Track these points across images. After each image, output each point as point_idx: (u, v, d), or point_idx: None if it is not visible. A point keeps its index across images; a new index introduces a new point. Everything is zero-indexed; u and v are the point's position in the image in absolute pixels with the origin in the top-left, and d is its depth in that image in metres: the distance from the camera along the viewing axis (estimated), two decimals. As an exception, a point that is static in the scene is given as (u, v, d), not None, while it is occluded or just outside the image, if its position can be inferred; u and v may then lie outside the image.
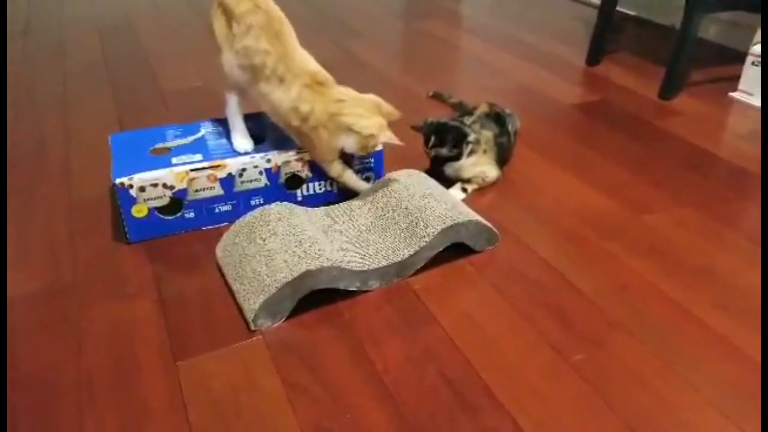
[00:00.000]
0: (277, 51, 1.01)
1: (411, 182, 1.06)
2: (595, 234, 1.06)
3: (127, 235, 1.02)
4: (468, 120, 1.19)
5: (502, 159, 1.20)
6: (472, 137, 1.12)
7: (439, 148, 1.13)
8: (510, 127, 1.20)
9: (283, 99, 1.01)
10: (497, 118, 1.19)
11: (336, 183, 1.11)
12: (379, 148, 1.10)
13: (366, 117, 1.02)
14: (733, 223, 1.09)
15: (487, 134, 1.16)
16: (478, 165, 1.15)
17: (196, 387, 0.77)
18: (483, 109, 1.20)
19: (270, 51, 1.00)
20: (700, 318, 0.88)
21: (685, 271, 0.97)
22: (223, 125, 1.12)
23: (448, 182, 1.16)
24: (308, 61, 1.04)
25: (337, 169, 1.07)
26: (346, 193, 1.11)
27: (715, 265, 0.99)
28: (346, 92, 1.04)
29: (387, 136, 1.02)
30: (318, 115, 1.01)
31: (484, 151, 1.15)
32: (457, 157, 1.13)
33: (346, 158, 1.09)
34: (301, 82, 1.01)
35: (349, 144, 1.03)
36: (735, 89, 1.61)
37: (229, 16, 1.03)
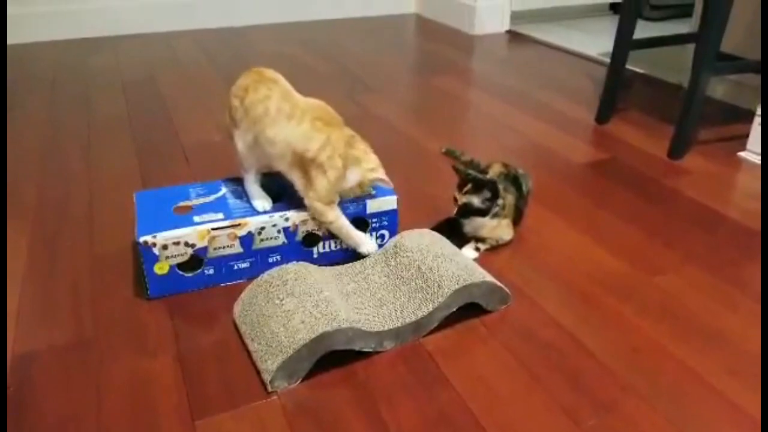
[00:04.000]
0: (275, 93, 1.06)
1: (423, 242, 1.08)
2: (607, 295, 1.07)
3: (148, 291, 1.05)
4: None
5: (516, 220, 1.22)
6: (500, 202, 1.15)
7: (472, 197, 1.14)
8: (524, 188, 1.22)
9: (293, 133, 1.04)
10: (514, 180, 1.21)
11: (329, 235, 1.13)
12: (372, 191, 1.14)
13: (368, 152, 1.08)
14: (743, 286, 1.10)
15: (510, 198, 1.18)
16: (499, 228, 1.18)
17: (213, 447, 0.78)
18: (498, 169, 1.23)
19: (270, 95, 1.05)
20: (711, 384, 0.88)
21: (697, 335, 0.98)
22: (243, 184, 1.16)
23: (461, 239, 1.18)
24: (312, 100, 1.09)
25: (335, 213, 1.08)
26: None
27: (726, 328, 0.99)
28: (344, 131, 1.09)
29: (381, 173, 1.08)
30: (335, 144, 1.04)
31: (505, 216, 1.17)
32: (484, 213, 1.15)
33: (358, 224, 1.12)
34: (311, 116, 1.05)
35: (352, 179, 1.07)
36: (743, 148, 1.63)
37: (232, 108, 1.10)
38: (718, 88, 2.02)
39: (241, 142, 1.10)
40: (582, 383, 0.88)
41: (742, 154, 1.63)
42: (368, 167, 1.07)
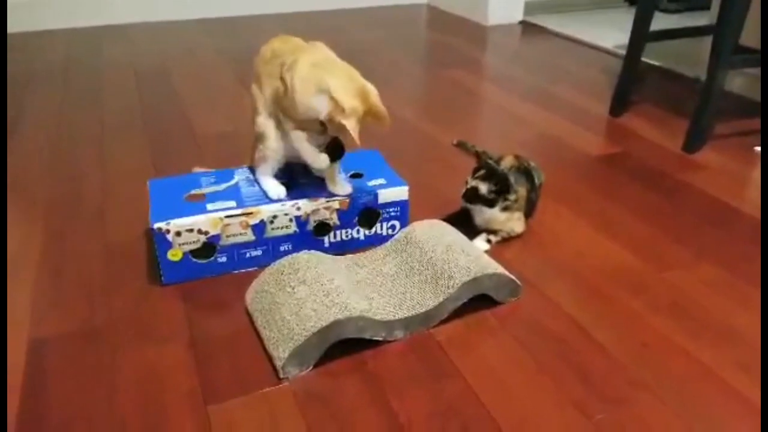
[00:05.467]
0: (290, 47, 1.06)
1: (434, 233, 1.08)
2: (618, 289, 1.07)
3: (162, 278, 1.06)
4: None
5: (528, 212, 1.22)
6: (512, 197, 1.15)
7: (481, 183, 1.15)
8: (536, 181, 1.22)
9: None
10: (526, 173, 1.21)
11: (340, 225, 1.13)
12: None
13: (349, 93, 0.99)
14: (755, 282, 1.09)
15: (522, 192, 1.18)
16: (510, 221, 1.18)
17: (225, 433, 0.79)
18: (510, 161, 1.22)
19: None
20: (722, 378, 0.88)
21: (707, 330, 0.98)
22: (254, 174, 1.16)
23: (473, 231, 1.18)
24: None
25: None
26: (372, 241, 1.15)
27: (738, 324, 0.99)
28: (347, 67, 1.04)
29: (351, 126, 0.98)
30: (292, 63, 1.01)
31: (517, 209, 1.17)
32: (490, 204, 1.15)
33: (369, 222, 1.12)
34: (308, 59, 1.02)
35: (319, 107, 0.99)
36: (759, 143, 1.62)
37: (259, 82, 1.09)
38: (736, 82, 2.00)
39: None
40: (591, 377, 0.88)
41: (758, 148, 1.61)
42: (340, 105, 0.97)
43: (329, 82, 0.98)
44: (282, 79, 1.03)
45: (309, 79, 1.00)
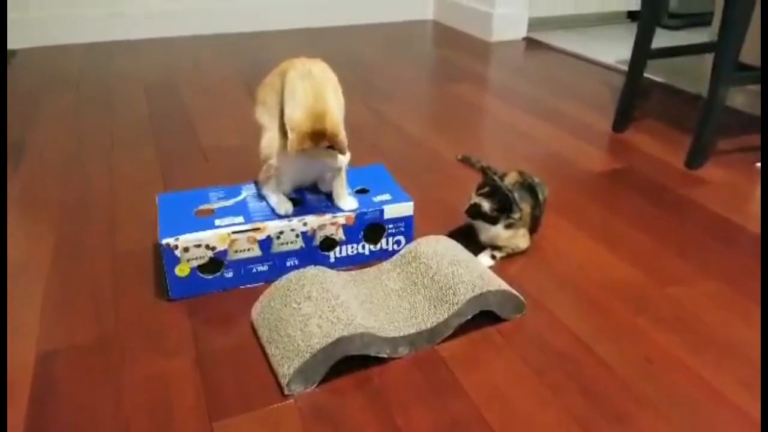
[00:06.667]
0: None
1: (439, 249, 1.09)
2: (622, 305, 1.08)
3: (169, 292, 1.07)
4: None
5: (532, 228, 1.23)
6: (517, 215, 1.16)
7: (484, 200, 1.16)
8: (540, 197, 1.23)
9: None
10: (530, 189, 1.22)
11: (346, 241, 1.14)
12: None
13: (302, 110, 0.99)
14: (758, 297, 1.10)
15: (526, 208, 1.19)
16: (515, 237, 1.19)
17: (231, 448, 0.80)
18: (514, 177, 1.23)
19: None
20: (725, 395, 0.88)
21: (711, 346, 0.98)
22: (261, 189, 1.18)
23: (477, 247, 1.19)
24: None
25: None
26: (377, 257, 1.16)
27: (741, 340, 0.99)
28: (321, 86, 1.02)
29: (291, 138, 0.99)
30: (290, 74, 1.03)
31: (521, 225, 1.18)
32: (492, 221, 1.16)
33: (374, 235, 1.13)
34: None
35: (286, 114, 1.02)
36: (760, 159, 1.63)
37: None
38: (737, 98, 2.01)
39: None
40: (595, 393, 0.89)
41: (759, 164, 1.62)
42: (289, 117, 1.00)
43: (293, 93, 1.01)
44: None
45: (287, 87, 1.03)
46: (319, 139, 1.00)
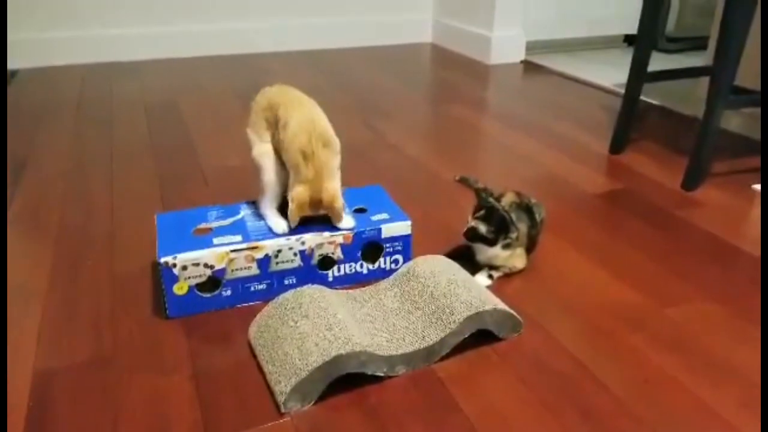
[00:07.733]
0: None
1: (437, 268, 1.10)
2: (619, 326, 1.08)
3: (167, 311, 1.07)
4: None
5: (529, 248, 1.23)
6: (514, 235, 1.17)
7: (481, 223, 1.16)
8: (537, 217, 1.24)
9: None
10: (527, 210, 1.23)
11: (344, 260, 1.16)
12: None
13: (301, 180, 1.09)
14: (755, 319, 1.10)
15: (523, 228, 1.20)
16: (512, 257, 1.19)
17: (227, 467, 0.79)
18: (511, 198, 1.24)
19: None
20: (723, 416, 0.88)
21: (710, 368, 0.98)
22: (260, 208, 1.18)
23: (475, 266, 1.19)
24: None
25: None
26: (375, 276, 1.16)
27: (739, 361, 0.99)
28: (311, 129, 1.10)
29: (290, 217, 1.11)
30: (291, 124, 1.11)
31: (519, 245, 1.19)
32: (490, 243, 1.17)
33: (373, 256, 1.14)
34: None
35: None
36: (758, 181, 1.64)
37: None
38: (733, 121, 2.04)
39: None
40: (593, 414, 0.88)
41: (756, 186, 1.63)
42: (292, 192, 1.10)
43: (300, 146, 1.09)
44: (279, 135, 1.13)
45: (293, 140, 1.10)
46: (317, 207, 1.10)
